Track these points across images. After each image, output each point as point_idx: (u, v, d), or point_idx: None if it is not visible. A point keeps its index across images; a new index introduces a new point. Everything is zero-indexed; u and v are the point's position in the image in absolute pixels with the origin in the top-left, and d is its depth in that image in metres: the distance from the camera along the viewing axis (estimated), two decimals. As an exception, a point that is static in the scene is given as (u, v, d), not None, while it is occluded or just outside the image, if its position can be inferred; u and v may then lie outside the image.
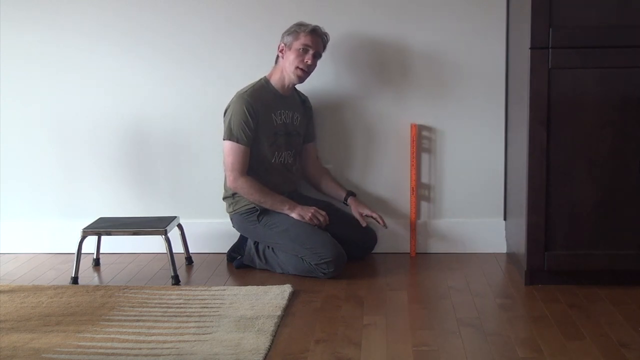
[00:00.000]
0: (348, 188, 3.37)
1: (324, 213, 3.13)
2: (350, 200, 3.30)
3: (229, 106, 3.14)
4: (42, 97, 3.45)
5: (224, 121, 3.14)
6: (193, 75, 3.39)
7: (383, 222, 3.25)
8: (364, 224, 3.25)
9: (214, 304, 2.71)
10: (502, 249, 3.38)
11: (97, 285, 3.00)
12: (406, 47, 3.31)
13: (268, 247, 3.16)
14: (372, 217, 3.25)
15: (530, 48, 2.73)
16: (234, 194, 3.18)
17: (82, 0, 3.37)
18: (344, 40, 3.32)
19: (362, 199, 3.37)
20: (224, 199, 3.25)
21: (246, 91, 3.12)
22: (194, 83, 3.40)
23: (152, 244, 3.38)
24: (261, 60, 3.28)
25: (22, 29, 3.41)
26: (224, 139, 3.12)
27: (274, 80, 3.18)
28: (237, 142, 3.08)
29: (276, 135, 3.16)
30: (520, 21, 2.95)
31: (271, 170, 3.18)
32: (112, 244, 3.42)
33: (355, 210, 3.26)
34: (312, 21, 3.15)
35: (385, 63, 3.33)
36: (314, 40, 3.11)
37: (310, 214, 3.09)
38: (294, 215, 3.09)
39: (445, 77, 3.32)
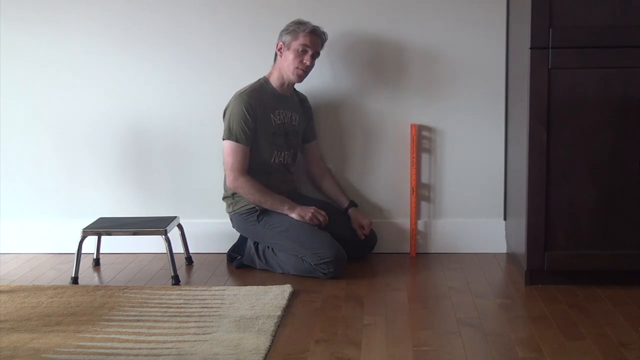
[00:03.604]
0: (349, 189, 3.38)
1: (323, 213, 3.13)
2: (351, 211, 3.29)
3: (228, 106, 3.14)
4: (42, 97, 3.45)
5: (224, 121, 3.14)
6: (193, 76, 3.39)
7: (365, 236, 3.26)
8: (362, 237, 3.24)
9: (214, 304, 2.71)
10: (502, 249, 3.38)
11: (97, 285, 3.00)
12: (406, 47, 3.31)
13: (268, 247, 3.16)
14: (364, 234, 3.24)
15: (530, 48, 2.73)
16: (233, 194, 3.18)
17: (83, 0, 3.37)
18: (344, 40, 3.32)
19: (362, 203, 3.38)
20: (223, 198, 3.25)
21: (245, 90, 3.13)
22: (194, 83, 3.40)
23: (152, 244, 3.38)
24: (262, 59, 3.28)
25: (22, 28, 3.41)
26: (223, 139, 3.12)
27: (273, 80, 3.19)
28: (237, 141, 3.08)
29: (275, 135, 3.16)
30: (520, 21, 2.95)
31: (270, 170, 3.18)
32: (112, 244, 3.41)
33: (356, 221, 3.25)
34: (314, 20, 3.15)
35: (385, 63, 3.33)
36: (312, 41, 3.11)
37: (310, 214, 3.09)
38: (293, 215, 3.09)
39: (445, 77, 3.32)
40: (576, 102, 2.74)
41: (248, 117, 3.07)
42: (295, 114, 3.23)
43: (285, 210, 3.11)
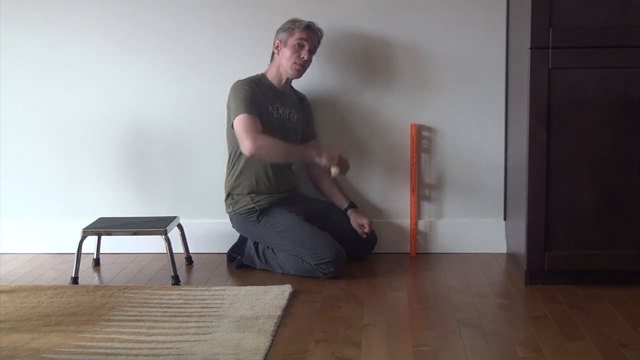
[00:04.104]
0: (349, 189, 3.38)
1: (346, 159, 3.11)
2: (350, 212, 3.28)
3: (229, 97, 3.12)
4: (42, 97, 3.45)
5: (228, 108, 3.11)
6: (193, 75, 3.39)
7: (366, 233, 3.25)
8: (363, 236, 3.24)
9: (214, 304, 2.71)
10: (502, 249, 3.38)
11: (97, 285, 3.00)
12: (406, 47, 3.31)
13: (268, 247, 3.15)
14: (366, 232, 3.24)
15: (530, 48, 2.73)
16: (233, 194, 3.18)
17: (83, 0, 3.37)
18: (344, 39, 3.32)
19: (362, 203, 3.38)
20: (225, 199, 3.24)
21: (243, 79, 3.13)
22: (194, 83, 3.40)
23: (152, 244, 3.38)
24: (262, 60, 3.27)
25: (22, 28, 3.41)
26: (233, 119, 3.06)
27: (271, 76, 3.19)
28: (247, 112, 3.03)
29: (273, 127, 3.14)
30: (520, 21, 2.95)
31: (269, 163, 3.16)
32: (112, 244, 3.42)
33: (355, 221, 3.25)
34: (314, 20, 3.16)
35: (385, 63, 3.33)
36: (308, 36, 3.12)
37: (338, 155, 3.05)
38: (323, 160, 3.04)
39: (445, 77, 3.32)
40: (576, 102, 2.74)
41: (251, 92, 3.06)
42: (294, 111, 3.23)
43: (313, 155, 3.06)
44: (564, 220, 2.80)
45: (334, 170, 3.06)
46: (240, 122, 3.05)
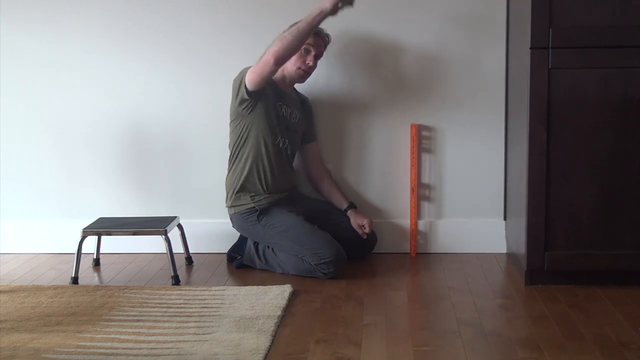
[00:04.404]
0: (349, 190, 3.38)
1: None
2: (350, 212, 3.28)
3: (235, 80, 3.09)
4: (42, 97, 3.45)
5: (234, 86, 3.08)
6: (194, 75, 3.39)
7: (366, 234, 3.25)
8: (363, 237, 3.24)
9: (214, 304, 2.71)
10: (502, 249, 3.38)
11: (97, 285, 3.00)
12: (406, 47, 3.31)
13: (268, 247, 3.16)
14: (366, 232, 3.23)
15: (530, 48, 2.73)
16: (233, 193, 3.17)
17: (83, 0, 3.37)
18: (345, 40, 3.31)
19: (362, 203, 3.38)
20: (226, 199, 3.24)
21: None
22: (195, 83, 3.40)
23: (152, 244, 3.38)
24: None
25: (22, 28, 3.41)
26: (245, 76, 3.00)
27: (274, 77, 3.18)
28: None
29: (278, 119, 3.14)
30: (520, 21, 2.95)
31: (273, 154, 3.13)
32: (112, 244, 3.42)
33: (355, 222, 3.24)
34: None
35: (385, 63, 3.34)
36: (316, 42, 3.11)
37: None
38: (327, 4, 2.89)
39: (445, 77, 3.32)
40: (576, 102, 2.74)
41: None
42: (296, 112, 3.23)
43: (317, 12, 2.90)
44: (564, 220, 2.80)
45: (345, 7, 2.90)
46: (253, 66, 2.99)
